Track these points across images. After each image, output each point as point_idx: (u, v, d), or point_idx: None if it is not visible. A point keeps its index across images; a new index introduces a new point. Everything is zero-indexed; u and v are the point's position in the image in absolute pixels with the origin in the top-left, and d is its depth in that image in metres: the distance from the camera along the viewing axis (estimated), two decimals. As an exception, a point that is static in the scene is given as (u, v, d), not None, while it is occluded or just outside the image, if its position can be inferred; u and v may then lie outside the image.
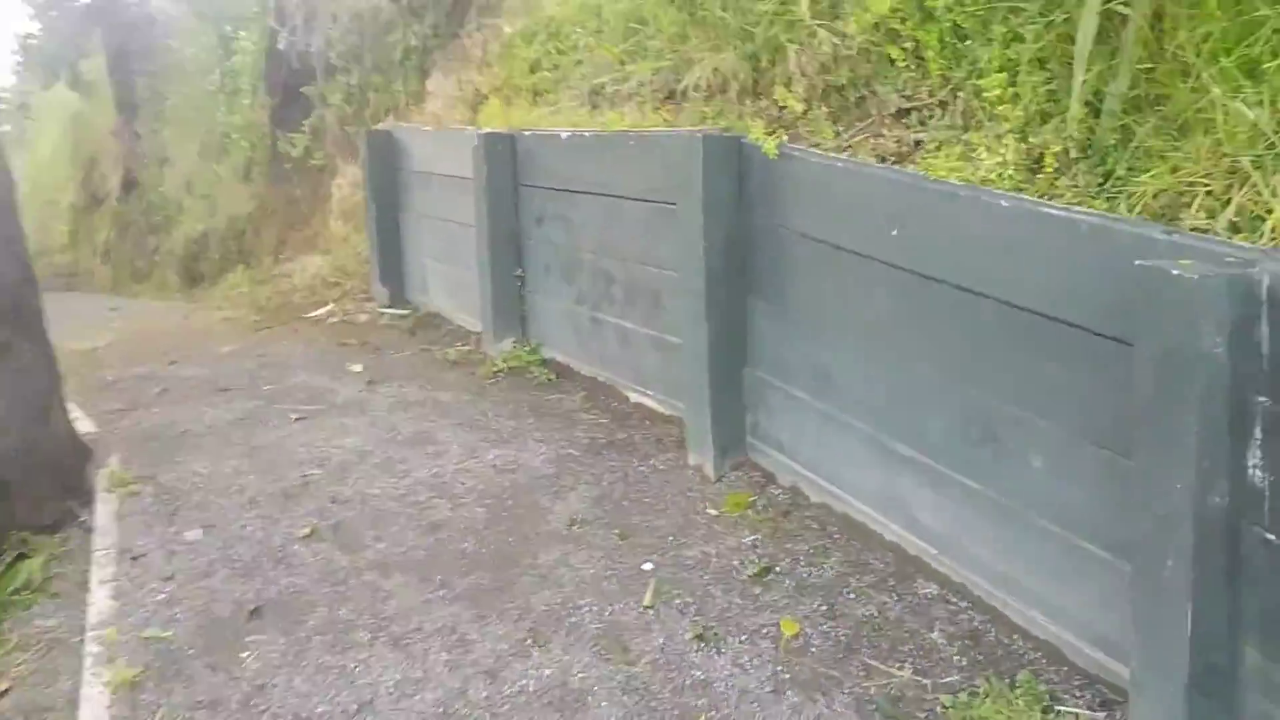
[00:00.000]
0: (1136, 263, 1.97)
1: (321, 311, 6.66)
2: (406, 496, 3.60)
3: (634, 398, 4.23)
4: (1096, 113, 2.84)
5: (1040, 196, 2.77)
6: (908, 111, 3.42)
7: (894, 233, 2.81)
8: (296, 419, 4.51)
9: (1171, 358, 1.90)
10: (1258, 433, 1.88)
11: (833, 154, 3.17)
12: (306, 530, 3.41)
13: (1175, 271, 1.87)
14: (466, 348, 5.35)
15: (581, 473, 3.68)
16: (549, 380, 4.67)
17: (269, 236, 9.95)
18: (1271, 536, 1.87)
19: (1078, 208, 2.36)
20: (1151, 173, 2.56)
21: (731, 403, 3.52)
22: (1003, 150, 2.89)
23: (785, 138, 3.37)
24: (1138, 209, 2.54)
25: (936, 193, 2.68)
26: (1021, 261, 2.41)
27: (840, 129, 3.61)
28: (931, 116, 3.28)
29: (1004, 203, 2.47)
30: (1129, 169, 2.66)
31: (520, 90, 5.96)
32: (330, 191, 9.04)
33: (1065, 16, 2.95)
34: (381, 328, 6.11)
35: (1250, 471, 1.89)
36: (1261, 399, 1.86)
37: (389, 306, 6.39)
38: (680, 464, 3.65)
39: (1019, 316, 2.42)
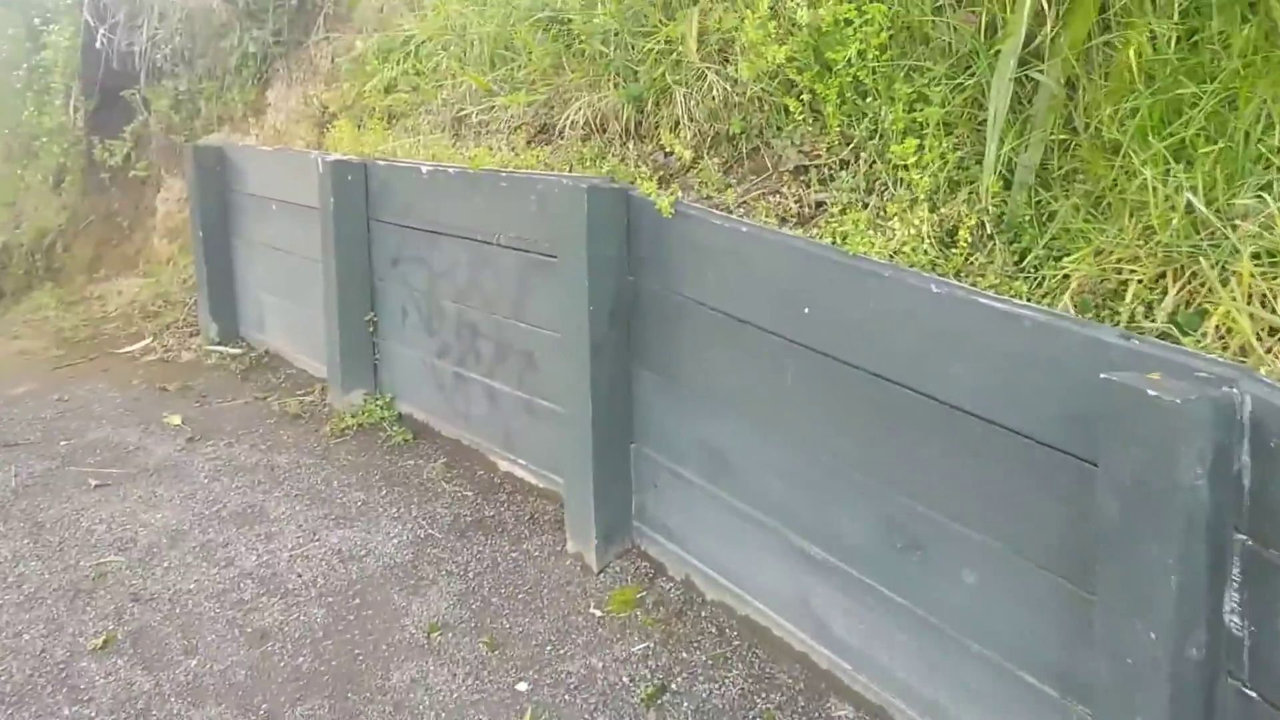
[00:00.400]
0: (1103, 376, 1.73)
1: (138, 347, 5.86)
2: (228, 593, 3.03)
3: (503, 466, 3.80)
4: (1011, 185, 2.67)
5: (956, 274, 2.56)
6: (806, 169, 3.18)
7: (805, 310, 2.52)
8: (96, 485, 3.82)
9: (1144, 488, 1.66)
10: (1236, 574, 1.66)
11: (734, 217, 2.86)
12: (99, 640, 2.80)
13: (1152, 392, 1.63)
14: (309, 398, 4.76)
15: (443, 560, 3.21)
16: (405, 441, 4.16)
17: (82, 253, 8.89)
18: (1252, 692, 1.65)
19: (1018, 300, 2.13)
20: (1074, 256, 2.38)
21: (616, 483, 3.15)
22: (916, 221, 2.67)
23: (679, 192, 3.05)
24: (1065, 295, 2.35)
25: (855, 270, 2.40)
26: (953, 355, 2.15)
27: (732, 182, 3.34)
28: (833, 177, 3.05)
29: (934, 288, 2.21)
30: (1047, 249, 2.49)
31: (373, 112, 5.42)
32: (154, 206, 8.14)
33: (974, 79, 2.78)
34: (208, 369, 5.40)
35: (1228, 618, 1.67)
36: (1240, 536, 1.65)
37: (219, 343, 5.68)
38: (558, 549, 3.25)
39: (950, 415, 2.16)
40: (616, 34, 3.83)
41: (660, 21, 3.71)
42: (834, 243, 2.72)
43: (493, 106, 4.50)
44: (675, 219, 2.92)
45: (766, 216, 2.99)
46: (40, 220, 9.53)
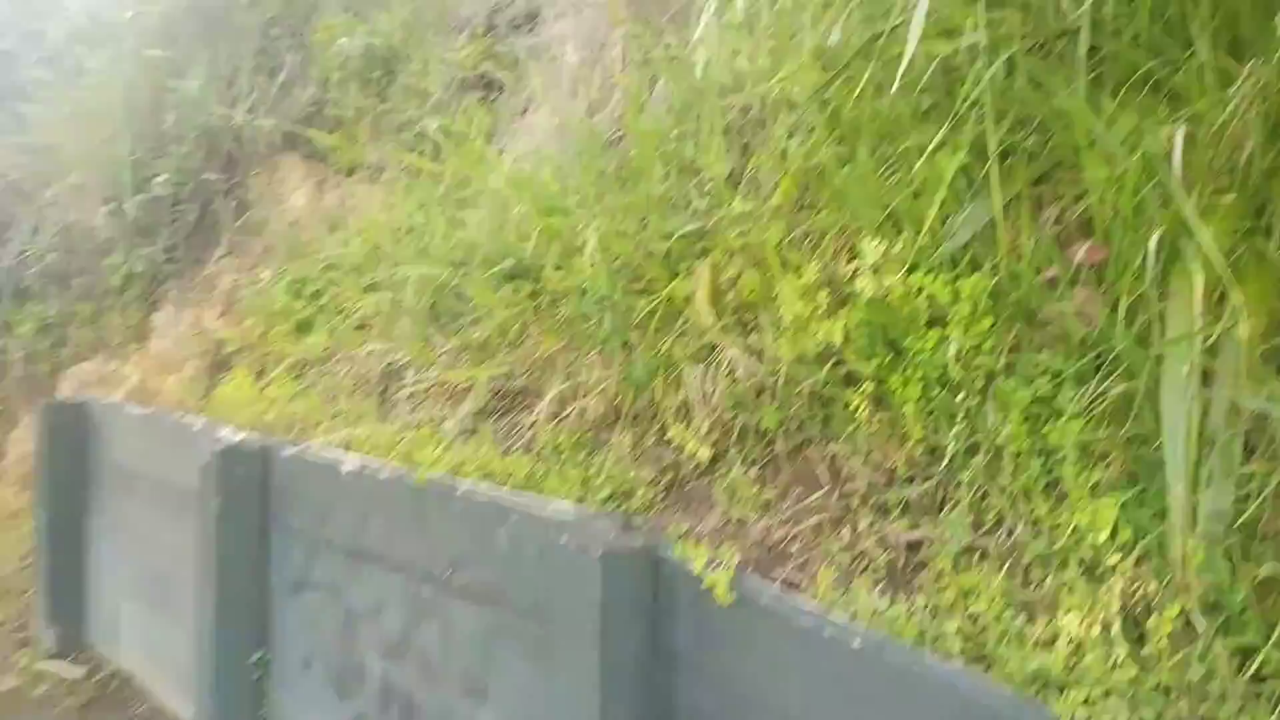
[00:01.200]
0: None
1: (-55, 665, 4.46)
2: None
3: None
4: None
5: (1164, 695, 1.64)
6: (881, 487, 2.30)
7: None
8: None
9: None
10: None
11: (834, 617, 1.88)
12: None
13: None
14: (168, 765, 3.46)
15: None
16: None
17: (-86, 500, 7.41)
18: None
19: None
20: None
21: None
22: (1095, 609, 1.77)
23: (734, 555, 2.07)
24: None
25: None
26: None
27: (772, 496, 2.46)
28: (926, 508, 2.18)
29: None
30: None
31: (278, 359, 4.43)
32: (4, 448, 6.83)
33: (1121, 388, 1.95)
34: (36, 702, 4.03)
35: None
36: None
37: (56, 656, 4.34)
38: None
39: None
40: (604, 297, 2.97)
41: (658, 277, 2.90)
42: (962, 642, 1.83)
43: (432, 367, 3.57)
44: (736, 608, 1.94)
45: (849, 582, 2.05)
46: None
